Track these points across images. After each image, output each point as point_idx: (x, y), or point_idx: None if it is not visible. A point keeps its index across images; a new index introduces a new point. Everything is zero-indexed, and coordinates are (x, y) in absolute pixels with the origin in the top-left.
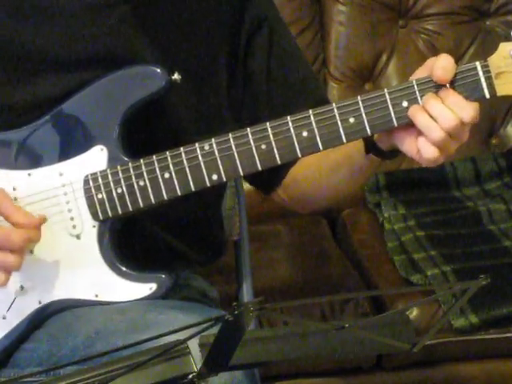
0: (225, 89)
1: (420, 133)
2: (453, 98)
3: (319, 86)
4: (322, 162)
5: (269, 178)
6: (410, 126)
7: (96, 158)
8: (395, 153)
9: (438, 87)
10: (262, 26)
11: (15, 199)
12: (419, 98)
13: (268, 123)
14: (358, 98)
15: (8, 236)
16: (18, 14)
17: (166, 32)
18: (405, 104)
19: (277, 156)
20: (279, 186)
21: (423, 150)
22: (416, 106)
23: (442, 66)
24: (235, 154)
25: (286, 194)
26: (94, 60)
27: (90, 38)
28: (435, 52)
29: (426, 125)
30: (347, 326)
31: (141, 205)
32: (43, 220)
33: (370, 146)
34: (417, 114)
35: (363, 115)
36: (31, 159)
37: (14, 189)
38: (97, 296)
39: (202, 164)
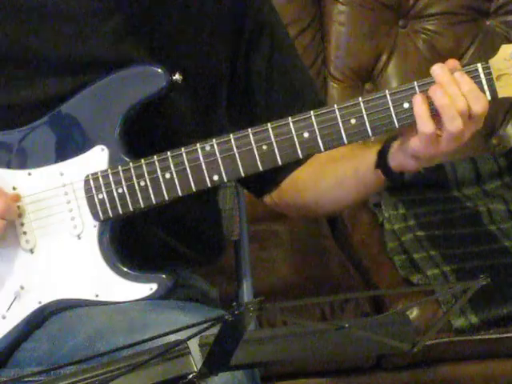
0: (225, 92)
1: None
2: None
3: (317, 91)
4: (327, 173)
5: (262, 182)
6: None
7: (97, 158)
8: (401, 176)
9: None
10: (263, 32)
11: None
12: None
13: (269, 124)
14: (360, 99)
15: None
16: (18, 17)
17: (166, 35)
18: (406, 105)
19: (278, 157)
20: (272, 190)
21: (449, 120)
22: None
23: None
24: (236, 155)
25: (281, 199)
26: (93, 63)
27: (90, 41)
28: (435, 52)
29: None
30: (347, 326)
31: (141, 205)
32: (17, 197)
33: (381, 162)
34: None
35: (364, 116)
36: (31, 159)
37: (14, 188)
38: (97, 296)
39: (203, 164)
